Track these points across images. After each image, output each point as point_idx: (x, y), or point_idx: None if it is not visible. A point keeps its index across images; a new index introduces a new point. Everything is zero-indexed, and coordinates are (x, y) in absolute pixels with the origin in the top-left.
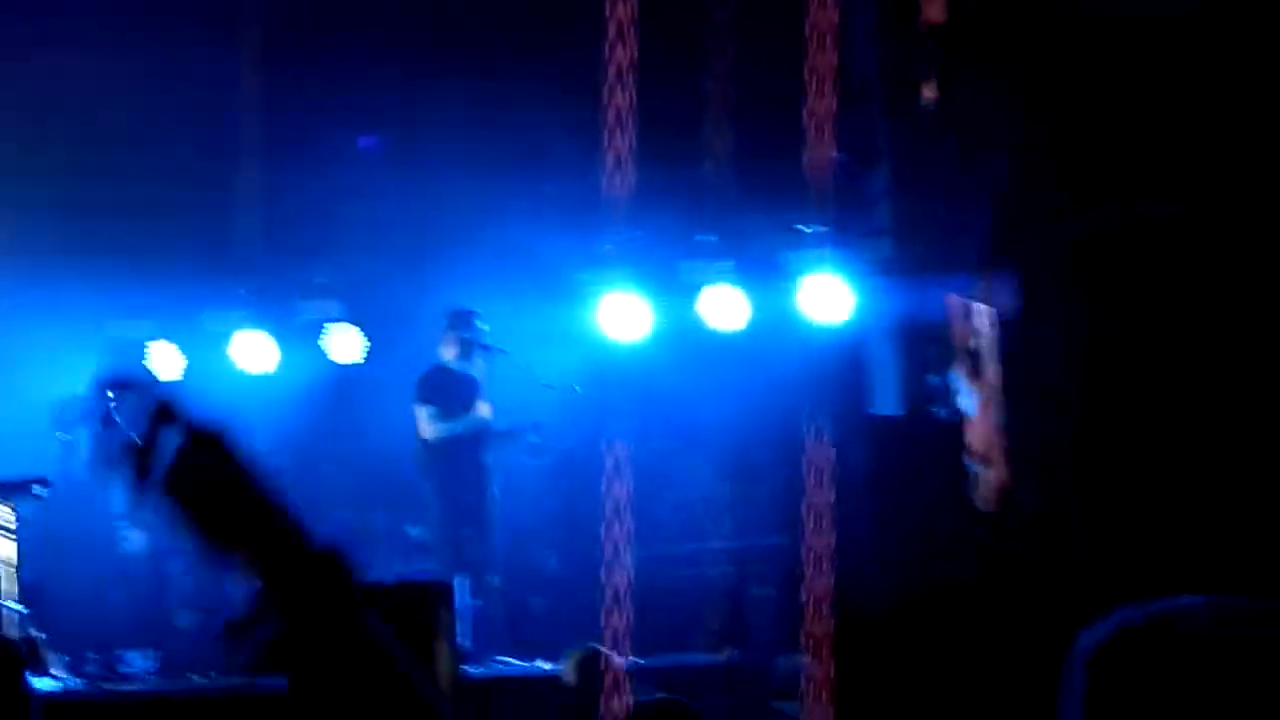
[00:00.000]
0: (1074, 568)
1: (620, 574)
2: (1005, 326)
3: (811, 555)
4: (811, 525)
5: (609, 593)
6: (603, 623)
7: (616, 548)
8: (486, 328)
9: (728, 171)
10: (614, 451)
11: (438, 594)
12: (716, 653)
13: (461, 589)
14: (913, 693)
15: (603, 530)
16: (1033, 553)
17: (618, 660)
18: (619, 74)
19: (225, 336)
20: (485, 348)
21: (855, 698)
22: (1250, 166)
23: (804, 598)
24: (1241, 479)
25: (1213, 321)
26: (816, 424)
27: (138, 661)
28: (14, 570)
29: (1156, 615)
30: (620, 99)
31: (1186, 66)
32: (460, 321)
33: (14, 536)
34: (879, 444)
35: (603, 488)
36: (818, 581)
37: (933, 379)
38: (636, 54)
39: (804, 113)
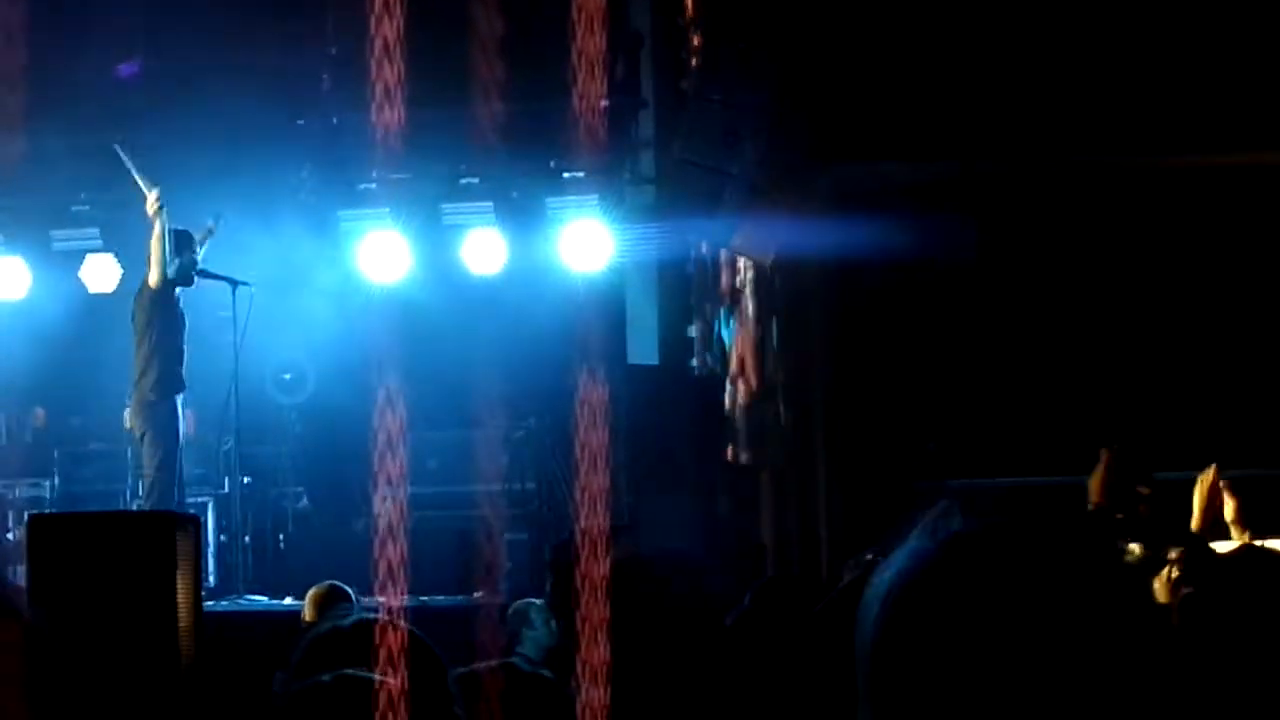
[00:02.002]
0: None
1: (389, 513)
2: (761, 269)
3: (586, 497)
4: (586, 468)
5: (380, 529)
6: (372, 568)
7: (387, 487)
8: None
9: (494, 112)
10: (383, 390)
11: (179, 525)
12: (464, 595)
13: (211, 525)
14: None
15: (375, 465)
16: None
17: (388, 600)
18: (386, 4)
19: None
20: (203, 273)
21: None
22: (989, 125)
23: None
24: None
25: (949, 268)
26: (579, 371)
27: None
28: None
29: (949, 540)
30: (387, 30)
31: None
32: (182, 244)
33: None
34: (634, 393)
35: (375, 424)
36: (592, 524)
37: (690, 331)
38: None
39: (573, 55)
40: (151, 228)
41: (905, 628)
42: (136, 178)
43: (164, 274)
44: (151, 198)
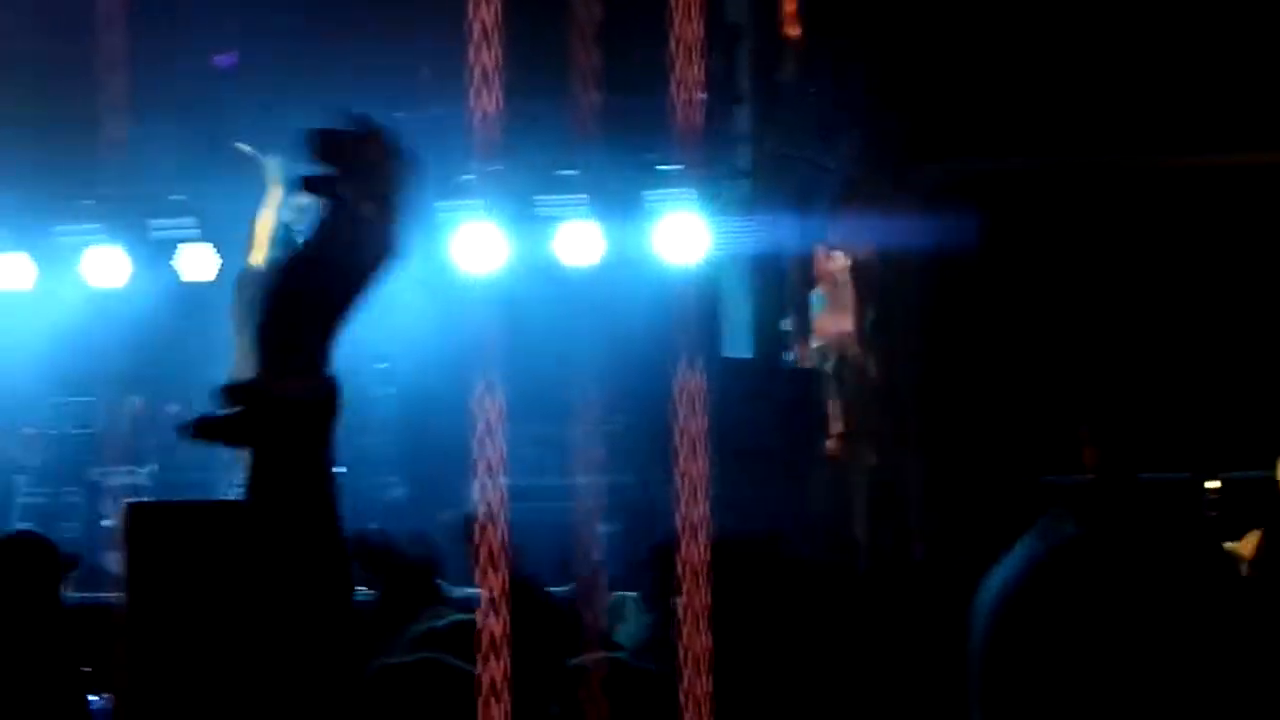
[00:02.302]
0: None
1: (489, 502)
2: (857, 263)
3: (686, 484)
4: (685, 458)
5: (482, 519)
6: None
7: (485, 478)
8: None
9: (591, 103)
10: (478, 380)
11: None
12: (561, 587)
13: None
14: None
15: (462, 461)
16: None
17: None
18: None
19: (77, 249)
20: None
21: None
22: (1085, 121)
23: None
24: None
25: (1043, 262)
26: (674, 363)
27: None
28: None
29: (1063, 547)
30: (485, 16)
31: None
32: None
33: None
34: (728, 386)
35: (456, 419)
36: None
37: (784, 324)
38: None
39: (670, 46)
40: (262, 212)
41: (1016, 634)
42: (263, 163)
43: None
44: (275, 185)
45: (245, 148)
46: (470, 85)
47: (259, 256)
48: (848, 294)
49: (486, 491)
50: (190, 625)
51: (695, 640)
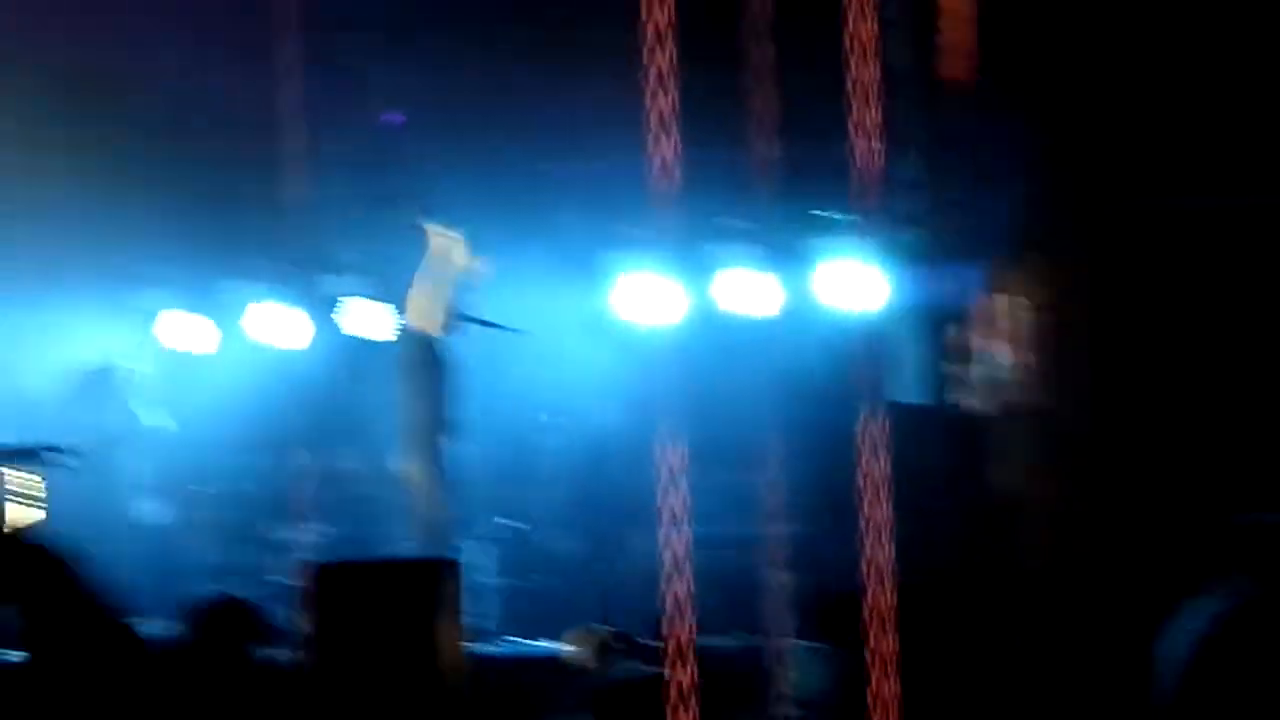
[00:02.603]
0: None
1: (671, 555)
2: (1028, 309)
3: (872, 528)
4: (869, 502)
5: (667, 564)
6: (663, 600)
7: (667, 530)
8: None
9: (761, 151)
10: (654, 436)
11: (443, 569)
12: (729, 637)
13: (484, 568)
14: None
15: (631, 511)
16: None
17: (623, 640)
18: (657, 36)
19: (253, 309)
20: (471, 319)
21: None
22: (1263, 160)
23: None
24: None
25: (1233, 309)
26: (849, 410)
27: (153, 629)
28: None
29: (1246, 604)
30: (661, 61)
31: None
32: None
33: (41, 505)
34: (901, 432)
35: (628, 471)
36: (877, 555)
37: (954, 368)
38: (673, 18)
39: (846, 90)
40: (443, 273)
41: (1206, 688)
42: (445, 233)
43: (445, 320)
44: (460, 248)
45: (419, 219)
46: (647, 132)
47: (417, 319)
48: (1019, 338)
49: (671, 540)
50: (373, 681)
51: (884, 686)
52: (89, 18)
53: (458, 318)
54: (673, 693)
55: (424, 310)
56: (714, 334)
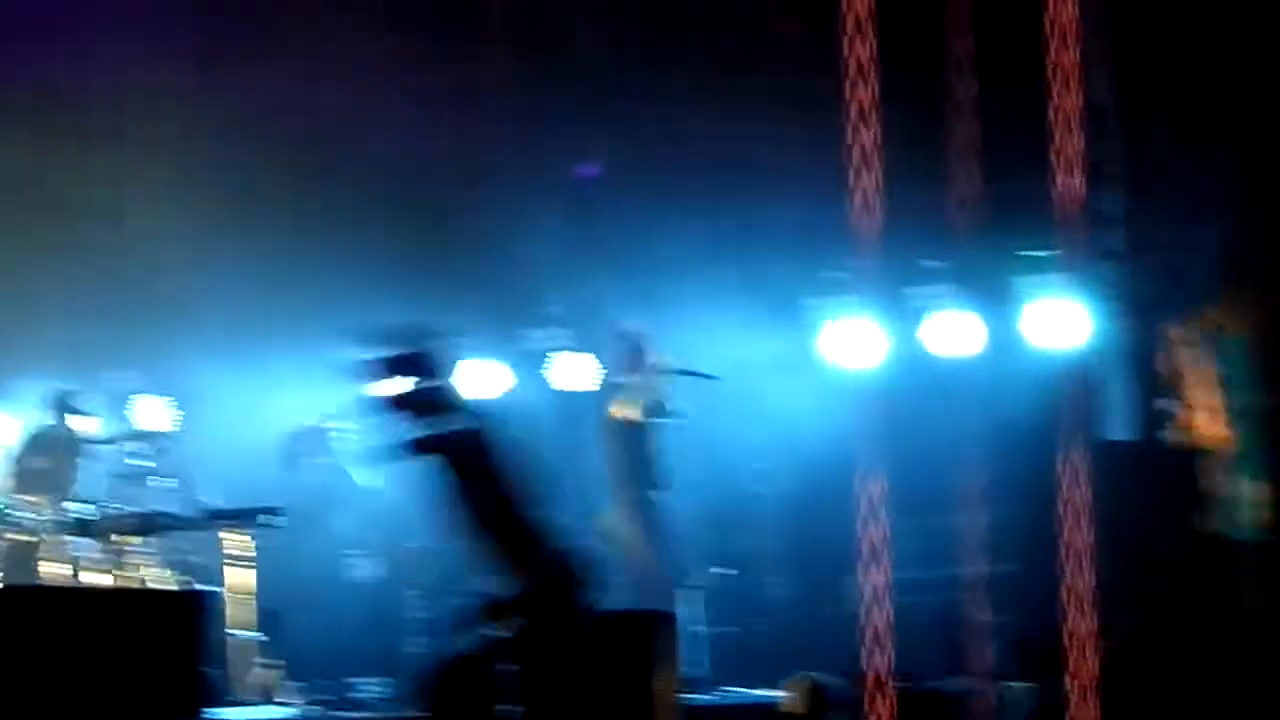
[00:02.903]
0: None
1: (872, 600)
2: (1234, 345)
3: (1072, 555)
4: (1069, 528)
5: (864, 619)
6: (863, 648)
7: (868, 575)
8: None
9: (962, 195)
10: (861, 479)
11: (657, 621)
12: (945, 679)
13: (695, 617)
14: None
15: (842, 556)
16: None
17: (839, 688)
18: (859, 71)
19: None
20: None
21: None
22: None
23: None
24: None
25: None
26: (1054, 449)
27: (370, 689)
28: (253, 599)
29: None
30: (863, 95)
31: None
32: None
33: (253, 565)
34: (1109, 469)
35: (841, 514)
36: (1077, 582)
37: (1162, 403)
38: (874, 54)
39: (1048, 120)
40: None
41: None
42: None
43: (644, 410)
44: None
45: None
46: (848, 160)
47: (620, 412)
48: (1225, 373)
49: (869, 582)
50: None
51: (1084, 713)
52: (290, 89)
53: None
54: None
55: (625, 406)
56: (919, 375)
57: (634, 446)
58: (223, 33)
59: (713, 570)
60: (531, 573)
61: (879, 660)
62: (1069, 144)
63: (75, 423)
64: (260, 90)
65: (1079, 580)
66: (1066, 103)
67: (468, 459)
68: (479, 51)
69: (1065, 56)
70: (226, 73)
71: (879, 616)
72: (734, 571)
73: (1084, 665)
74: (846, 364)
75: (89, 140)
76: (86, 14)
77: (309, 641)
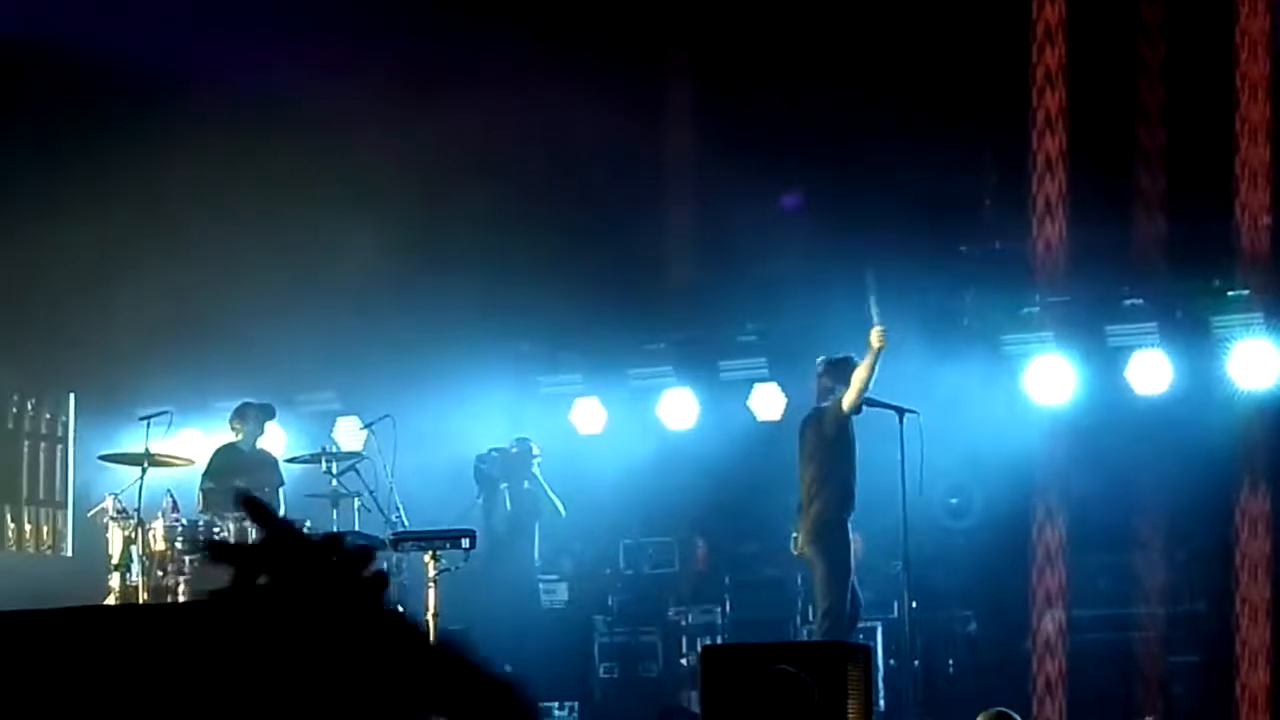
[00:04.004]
0: None
1: (1047, 636)
2: None
3: (1247, 608)
4: (1245, 582)
5: (1036, 654)
6: (1031, 685)
7: (1043, 610)
8: None
9: (1156, 230)
10: (1044, 509)
11: (850, 655)
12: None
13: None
14: None
15: (1029, 592)
16: None
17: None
18: (1047, 122)
19: (649, 392)
20: (871, 401)
21: None
22: None
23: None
24: None
25: None
26: (1243, 487)
27: (557, 714)
28: (434, 619)
29: None
30: (1050, 147)
31: None
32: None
33: (433, 585)
34: None
35: (1033, 544)
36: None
37: None
38: (1064, 104)
39: (1235, 168)
40: (861, 357)
41: None
42: (873, 307)
43: (857, 402)
44: (877, 331)
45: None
46: (1034, 210)
47: (850, 400)
48: None
49: (1047, 622)
50: None
51: None
52: (495, 119)
53: (864, 399)
54: None
55: (852, 389)
56: (1115, 411)
57: (838, 472)
58: (418, 63)
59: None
60: None
61: (1051, 701)
62: (1254, 193)
63: (268, 442)
64: (453, 118)
65: (1253, 634)
66: (1253, 157)
67: None
68: (668, 87)
69: (1255, 110)
70: (418, 102)
71: (1053, 658)
72: (914, 604)
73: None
74: (1042, 399)
75: (298, 165)
76: (299, 53)
77: (498, 665)
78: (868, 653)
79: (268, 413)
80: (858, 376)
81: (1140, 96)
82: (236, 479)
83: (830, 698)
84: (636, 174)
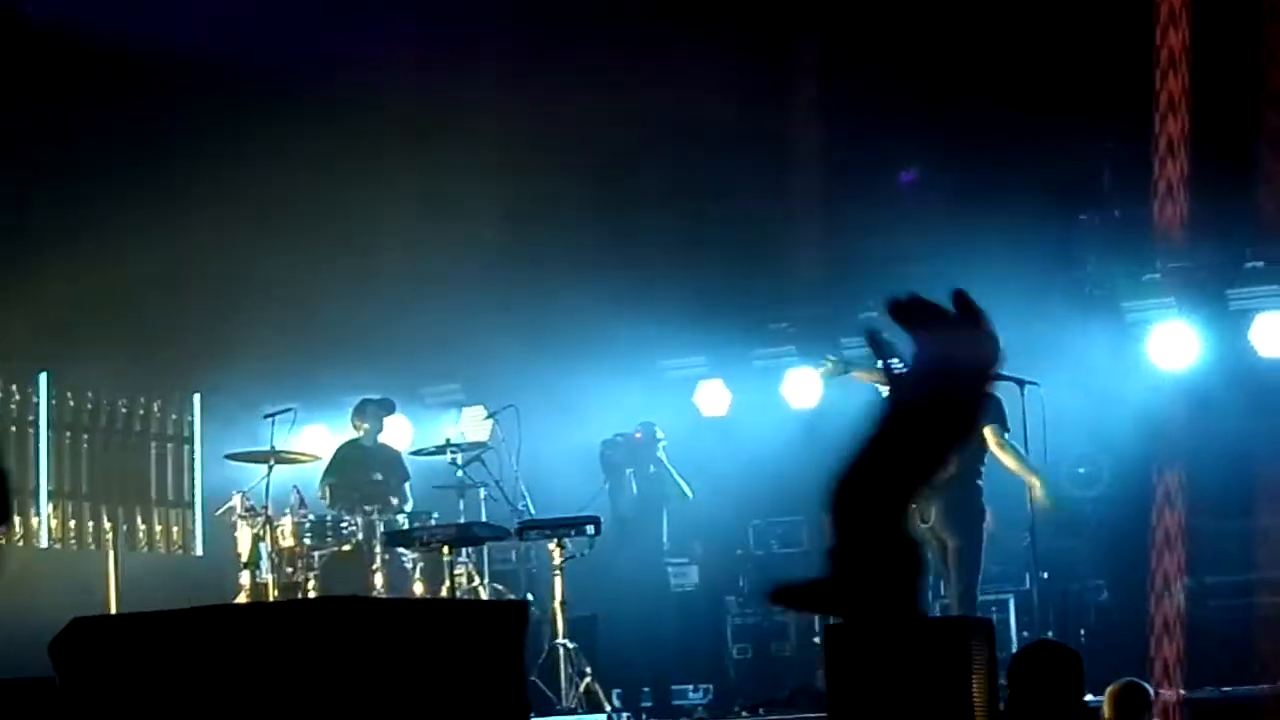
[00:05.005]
0: None
1: (1169, 604)
2: None
3: None
4: None
5: (1158, 623)
6: (1151, 653)
7: (1166, 577)
8: None
9: (1278, 196)
10: (1164, 481)
11: (973, 630)
12: (1269, 685)
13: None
14: None
15: (1152, 559)
16: None
17: (1163, 694)
18: (1170, 105)
19: (773, 372)
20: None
21: None
22: None
23: None
24: None
25: None
26: None
27: (691, 696)
28: (561, 606)
29: None
30: (1172, 129)
31: None
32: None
33: (560, 572)
34: None
35: (1153, 517)
36: None
37: None
38: (1188, 86)
39: None
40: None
41: None
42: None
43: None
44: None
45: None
46: (1155, 192)
47: None
48: None
49: (1173, 589)
50: None
51: None
52: (616, 99)
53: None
54: None
55: None
56: (1239, 376)
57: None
58: (542, 46)
59: (1032, 575)
60: None
61: (1172, 667)
62: None
63: (394, 436)
64: (577, 103)
65: None
66: None
67: None
68: (794, 68)
69: None
70: (542, 87)
71: (1174, 624)
72: (1045, 575)
73: None
74: (1166, 365)
75: (418, 159)
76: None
77: (630, 649)
78: (990, 627)
79: (387, 408)
80: None
81: (1264, 76)
82: (359, 474)
83: (954, 674)
84: (760, 154)
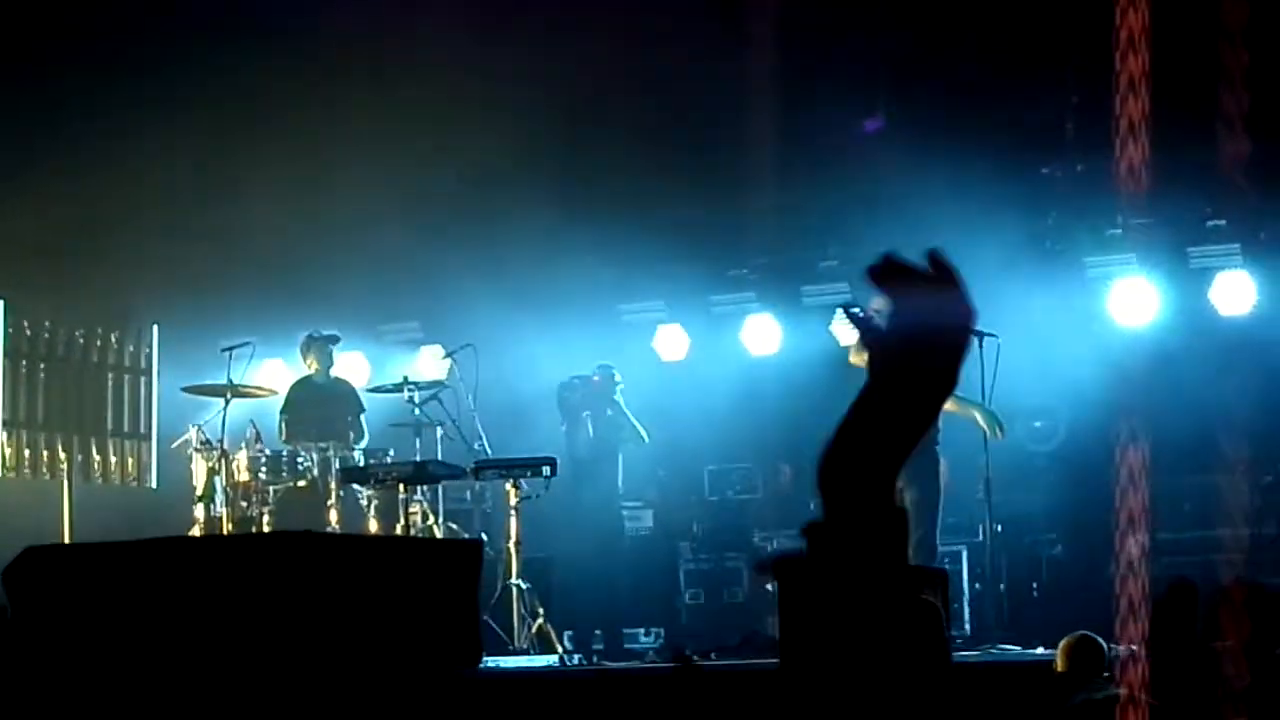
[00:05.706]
0: None
1: (1127, 561)
2: None
3: None
4: None
5: (1116, 579)
6: (1114, 609)
7: (1125, 534)
8: None
9: (1240, 151)
10: (1122, 438)
11: (929, 579)
12: (1220, 643)
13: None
14: None
15: (1112, 517)
16: None
17: (1117, 649)
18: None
19: (732, 319)
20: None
21: None
22: None
23: None
24: None
25: None
26: None
27: (643, 640)
28: (516, 546)
29: None
30: (1133, 66)
31: None
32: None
33: (515, 513)
34: None
35: (1112, 475)
36: None
37: None
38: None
39: None
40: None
41: None
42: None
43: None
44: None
45: None
46: (1117, 131)
47: None
48: None
49: (1129, 545)
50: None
51: None
52: (575, 44)
53: None
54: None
55: None
56: (1198, 334)
57: None
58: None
59: (985, 527)
60: None
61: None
62: None
63: (349, 371)
64: (532, 44)
65: None
66: None
67: None
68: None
69: None
70: (499, 27)
71: (1135, 581)
72: (999, 527)
73: None
74: (1126, 322)
75: (380, 95)
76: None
77: (583, 591)
78: (946, 577)
79: (331, 340)
80: None
81: (1223, 15)
82: (313, 410)
83: (908, 622)
84: (719, 98)
